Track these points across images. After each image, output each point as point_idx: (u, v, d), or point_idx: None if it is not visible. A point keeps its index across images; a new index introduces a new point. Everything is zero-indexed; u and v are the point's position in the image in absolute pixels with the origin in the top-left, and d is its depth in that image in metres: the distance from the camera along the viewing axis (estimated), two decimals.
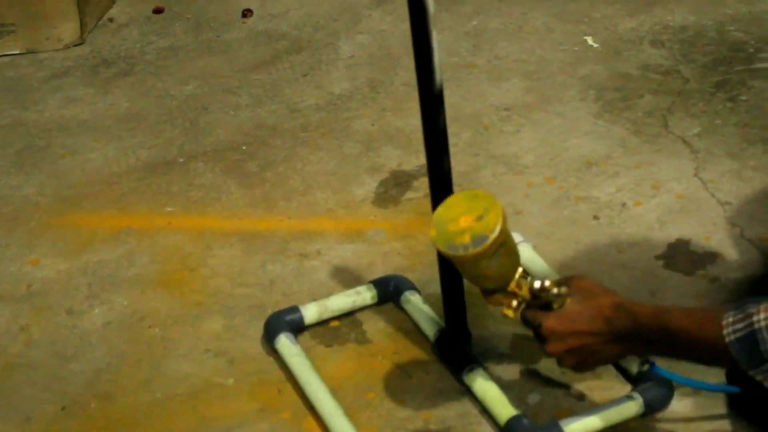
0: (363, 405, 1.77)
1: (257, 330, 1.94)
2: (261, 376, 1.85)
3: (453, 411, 1.75)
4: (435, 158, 1.68)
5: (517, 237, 2.03)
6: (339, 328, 1.93)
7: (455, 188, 1.73)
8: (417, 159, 2.37)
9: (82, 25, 3.02)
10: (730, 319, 1.38)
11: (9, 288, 2.11)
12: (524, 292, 1.55)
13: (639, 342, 1.51)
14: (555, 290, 1.54)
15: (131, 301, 2.05)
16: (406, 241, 2.13)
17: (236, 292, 2.04)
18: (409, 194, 2.28)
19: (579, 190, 2.23)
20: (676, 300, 1.91)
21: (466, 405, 1.75)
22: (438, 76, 1.58)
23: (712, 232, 2.07)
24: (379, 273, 2.03)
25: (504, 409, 1.68)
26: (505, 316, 1.57)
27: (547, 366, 1.81)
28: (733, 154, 2.29)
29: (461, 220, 1.50)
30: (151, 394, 1.84)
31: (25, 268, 2.16)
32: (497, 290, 1.56)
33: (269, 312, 1.95)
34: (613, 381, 1.76)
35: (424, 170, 2.31)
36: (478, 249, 1.47)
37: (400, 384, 1.80)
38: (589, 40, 2.82)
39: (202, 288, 2.06)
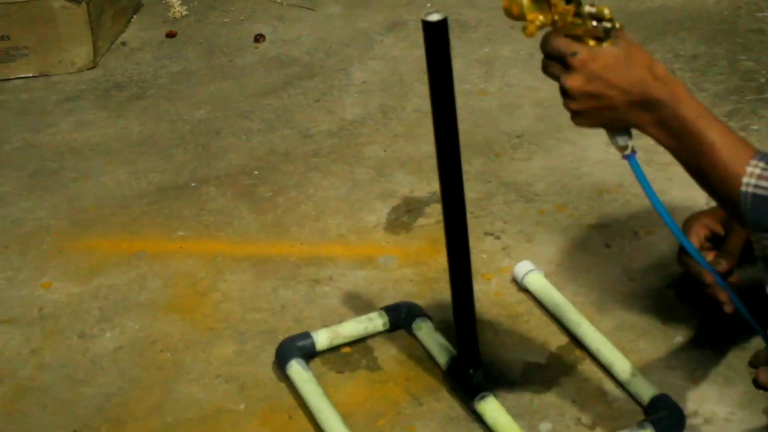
0: (375, 431, 1.77)
1: (268, 355, 1.94)
2: (272, 402, 1.85)
3: None
4: (449, 185, 1.67)
5: (527, 265, 2.04)
6: (351, 354, 1.93)
7: (468, 216, 1.73)
8: (429, 185, 2.38)
9: (95, 49, 3.04)
10: (758, 171, 1.30)
11: (20, 311, 2.11)
12: (564, 9, 1.38)
13: (659, 122, 1.39)
14: (608, 23, 1.36)
15: (143, 325, 2.05)
16: (418, 267, 2.14)
17: (248, 317, 2.05)
18: (421, 221, 2.28)
19: (590, 218, 2.23)
20: (689, 331, 1.90)
21: None
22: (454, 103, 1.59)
23: None
24: (390, 300, 2.03)
25: None
26: (525, 31, 1.41)
27: (558, 394, 1.81)
28: None
29: None
30: (161, 419, 1.84)
31: (37, 291, 2.16)
32: None
33: (280, 337, 1.95)
34: (624, 410, 1.76)
35: (436, 197, 2.32)
36: None
37: (411, 411, 1.80)
38: None
39: (213, 313, 2.07)
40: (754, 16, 3.01)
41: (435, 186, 2.37)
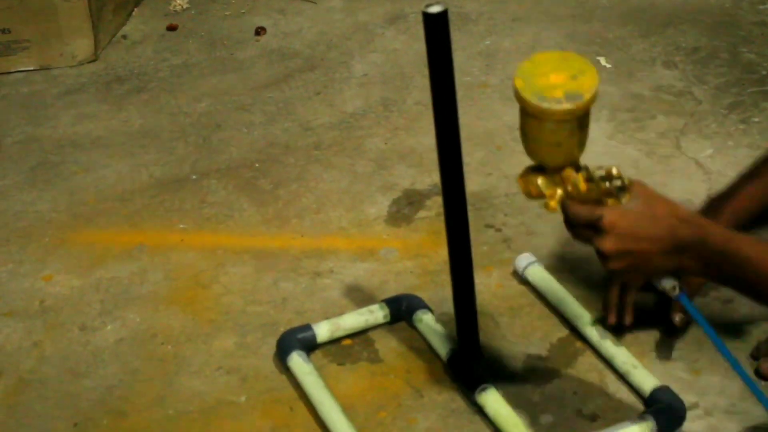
0: (375, 424, 1.77)
1: (269, 348, 1.94)
2: (273, 394, 1.85)
3: (465, 431, 1.74)
4: (450, 178, 1.67)
5: (528, 257, 2.04)
6: (351, 346, 1.93)
7: (469, 209, 1.73)
8: (429, 178, 2.38)
9: (96, 42, 3.04)
10: None
11: (22, 304, 2.11)
12: (577, 179, 1.44)
13: (696, 258, 1.43)
14: (619, 182, 1.41)
15: (144, 317, 2.05)
16: (419, 260, 2.14)
17: (249, 310, 2.05)
18: (422, 213, 2.28)
19: None
20: (690, 323, 1.90)
21: (479, 425, 1.75)
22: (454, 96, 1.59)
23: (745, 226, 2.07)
24: (391, 292, 2.03)
25: (516, 430, 1.68)
26: (546, 207, 1.47)
27: (559, 386, 1.81)
28: None
29: (552, 76, 1.40)
30: (163, 411, 1.84)
31: (38, 284, 2.16)
32: (549, 170, 1.46)
33: (281, 330, 1.95)
34: (625, 402, 1.76)
35: (437, 189, 2.32)
36: (573, 105, 1.38)
37: (412, 403, 1.81)
38: (602, 61, 2.82)
39: (214, 305, 2.07)
40: (756, 9, 3.01)
41: (436, 178, 2.36)
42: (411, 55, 2.91)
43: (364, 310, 1.96)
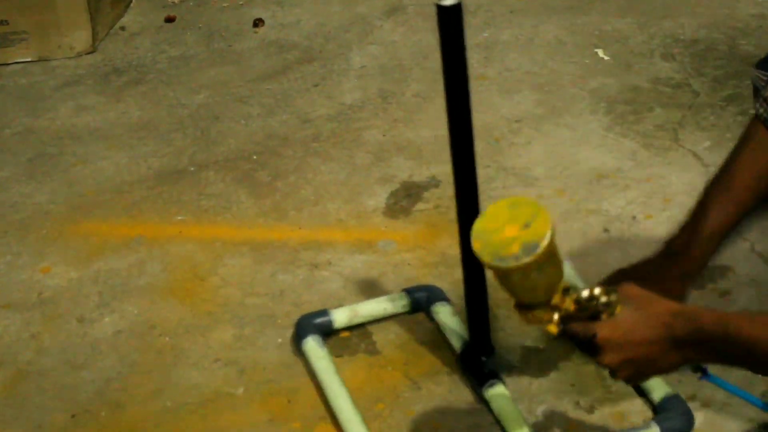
0: (373, 416, 1.77)
1: (267, 339, 1.94)
2: (271, 386, 1.85)
3: (463, 423, 1.75)
4: (462, 169, 1.65)
5: None
6: (349, 338, 1.93)
7: None
8: (428, 170, 2.38)
9: (94, 34, 3.04)
10: None
11: (20, 296, 2.11)
12: (568, 304, 1.46)
13: (700, 350, 1.44)
14: (605, 298, 1.44)
15: (142, 309, 2.05)
16: (417, 252, 2.14)
17: (247, 302, 2.05)
18: (420, 205, 2.28)
19: (589, 203, 2.24)
20: None
21: (476, 417, 1.75)
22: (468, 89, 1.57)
23: (719, 249, 2.07)
24: (389, 284, 2.04)
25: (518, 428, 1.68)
26: (548, 332, 1.49)
27: (557, 378, 1.81)
28: None
29: (506, 230, 1.41)
30: (161, 403, 1.84)
31: (37, 276, 2.16)
32: (538, 305, 1.48)
33: (279, 322, 1.96)
34: (621, 393, 1.76)
35: (435, 181, 2.33)
36: (531, 258, 1.37)
37: (410, 395, 1.81)
38: (600, 53, 2.82)
39: (212, 297, 2.07)
40: (754, 1, 3.01)
41: (434, 170, 2.37)
42: (409, 47, 2.91)
43: (383, 298, 1.95)
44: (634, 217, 2.18)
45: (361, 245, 2.17)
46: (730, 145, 2.36)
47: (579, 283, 1.92)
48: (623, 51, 2.83)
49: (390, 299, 1.95)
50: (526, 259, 1.37)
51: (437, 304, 1.93)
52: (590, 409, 1.75)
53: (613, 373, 1.49)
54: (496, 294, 1.99)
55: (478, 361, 1.80)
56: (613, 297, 1.44)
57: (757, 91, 1.83)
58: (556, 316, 1.46)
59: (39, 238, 2.27)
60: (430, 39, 2.91)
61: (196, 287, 2.10)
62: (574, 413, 1.74)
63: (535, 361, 1.85)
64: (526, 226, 1.40)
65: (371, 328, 1.95)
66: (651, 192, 2.25)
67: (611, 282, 1.71)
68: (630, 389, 1.77)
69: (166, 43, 3.08)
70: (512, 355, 1.87)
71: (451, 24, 1.51)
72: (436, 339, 1.91)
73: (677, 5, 3.04)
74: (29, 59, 3.01)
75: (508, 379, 1.80)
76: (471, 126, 1.61)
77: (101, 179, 2.46)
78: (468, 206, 1.68)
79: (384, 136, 2.54)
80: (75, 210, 2.35)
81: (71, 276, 2.15)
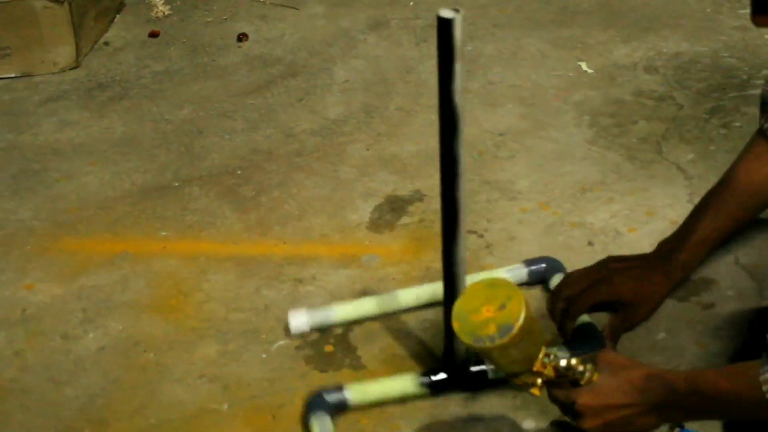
0: (357, 431, 1.77)
1: (252, 355, 1.94)
2: (255, 402, 1.85)
3: None
4: (449, 185, 1.66)
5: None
6: (333, 353, 1.93)
7: None
8: (412, 184, 2.38)
9: (78, 49, 3.03)
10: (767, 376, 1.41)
11: (3, 312, 2.10)
12: (548, 371, 1.56)
13: (675, 409, 1.53)
14: (581, 367, 1.56)
15: (126, 326, 2.05)
16: (401, 266, 2.14)
17: (231, 317, 2.04)
18: (404, 219, 2.28)
19: (573, 216, 2.24)
20: (670, 326, 1.91)
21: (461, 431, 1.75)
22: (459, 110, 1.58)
23: (706, 259, 2.07)
24: None
25: None
26: (533, 395, 1.59)
27: (543, 392, 1.80)
28: None
29: (483, 311, 1.51)
30: (145, 420, 1.83)
31: (20, 293, 2.16)
32: (522, 372, 1.58)
33: (264, 337, 1.95)
34: None
35: (419, 195, 2.33)
36: (505, 339, 1.48)
37: (394, 410, 1.80)
38: (584, 66, 2.83)
39: (196, 313, 2.06)
40: (737, 13, 3.02)
41: (418, 184, 2.37)
42: (393, 61, 2.91)
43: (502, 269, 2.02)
44: (618, 231, 2.18)
45: (345, 260, 2.17)
46: (713, 158, 2.38)
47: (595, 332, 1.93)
48: (606, 64, 2.84)
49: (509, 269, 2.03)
50: (501, 341, 1.48)
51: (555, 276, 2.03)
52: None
53: None
54: None
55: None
56: (589, 366, 1.56)
57: (764, 106, 1.86)
58: (539, 381, 1.57)
59: (22, 254, 2.27)
60: (413, 53, 2.92)
61: (180, 303, 2.09)
62: (559, 427, 1.74)
63: None
64: (502, 307, 1.51)
65: (355, 343, 1.95)
66: (635, 205, 2.26)
67: (601, 266, 1.89)
68: None
69: (150, 58, 3.08)
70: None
71: (450, 36, 1.52)
72: (421, 353, 1.91)
73: (660, 18, 3.05)
74: (12, 75, 3.01)
75: (491, 393, 1.80)
76: (461, 137, 1.60)
77: (85, 195, 2.45)
78: (452, 218, 1.67)
79: (368, 150, 2.54)
80: (58, 226, 2.35)
81: (55, 292, 2.15)
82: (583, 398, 1.55)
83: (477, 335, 1.50)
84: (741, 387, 1.44)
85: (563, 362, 1.55)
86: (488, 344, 1.49)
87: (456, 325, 1.53)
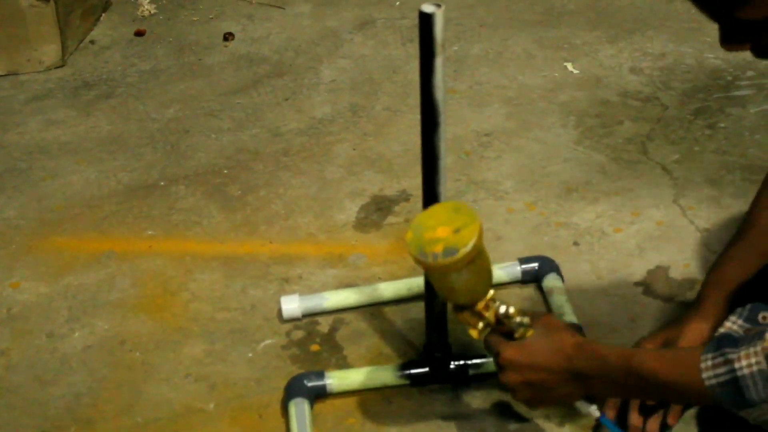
0: (343, 430, 1.77)
1: (238, 354, 1.94)
2: (242, 401, 1.85)
3: None
4: (430, 183, 1.67)
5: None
6: (320, 353, 1.93)
7: None
8: (398, 184, 2.38)
9: (64, 48, 3.03)
10: (709, 363, 1.39)
11: None
12: (490, 315, 1.55)
13: (603, 383, 1.50)
14: (518, 318, 1.54)
15: (112, 325, 2.05)
16: (387, 266, 2.14)
17: (217, 317, 2.04)
18: (391, 219, 2.28)
19: (559, 216, 2.24)
20: (655, 326, 1.92)
21: (448, 430, 1.75)
22: (441, 106, 1.59)
23: (691, 259, 2.09)
24: None
25: None
26: (471, 336, 1.58)
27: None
28: (712, 181, 2.31)
29: (439, 230, 1.50)
30: (131, 419, 1.83)
31: (6, 292, 2.15)
32: (466, 307, 1.56)
33: (250, 336, 1.95)
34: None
35: (405, 195, 2.33)
36: (446, 260, 1.47)
37: (381, 410, 1.81)
38: (570, 67, 2.84)
39: (183, 312, 2.06)
40: None
41: (404, 184, 2.38)
42: (379, 60, 2.91)
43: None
44: (603, 231, 2.19)
45: (331, 259, 2.18)
46: (698, 158, 2.39)
47: (569, 313, 1.93)
48: (592, 64, 2.84)
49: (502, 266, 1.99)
50: (443, 260, 1.47)
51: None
52: (560, 423, 1.75)
53: (514, 394, 1.57)
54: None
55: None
56: (525, 320, 1.54)
57: None
58: (480, 324, 1.56)
59: (8, 253, 2.26)
60: (399, 53, 2.92)
61: (166, 302, 2.09)
62: (545, 426, 1.75)
63: None
64: (457, 231, 1.49)
65: (342, 342, 1.95)
66: (620, 205, 2.26)
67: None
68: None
69: (136, 56, 3.08)
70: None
71: (431, 30, 1.53)
72: (408, 352, 1.91)
73: (646, 19, 3.06)
74: None
75: (477, 393, 1.81)
76: (442, 131, 1.61)
77: (71, 194, 2.45)
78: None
79: (354, 149, 2.54)
80: (44, 225, 2.35)
81: (41, 291, 2.15)
82: (509, 352, 1.53)
83: (423, 250, 1.48)
84: (679, 373, 1.42)
85: (503, 308, 1.53)
86: (430, 261, 1.47)
87: (408, 236, 1.51)
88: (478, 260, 1.51)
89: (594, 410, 1.58)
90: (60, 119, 2.77)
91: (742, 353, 1.37)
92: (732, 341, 1.39)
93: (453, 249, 1.47)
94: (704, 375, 1.39)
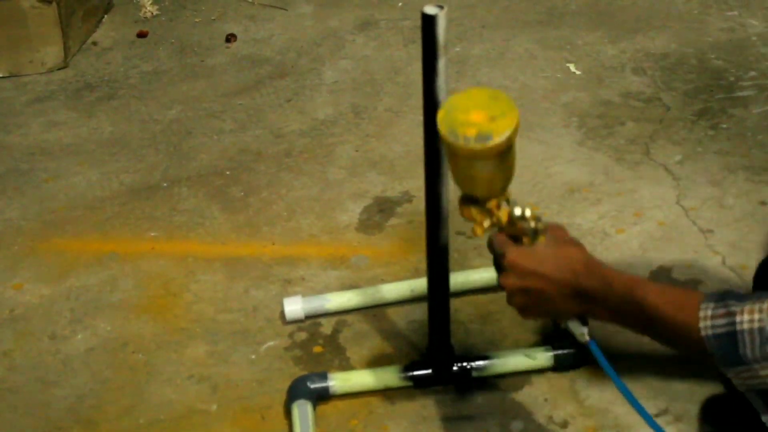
0: (346, 431, 1.78)
1: (240, 356, 1.94)
2: (244, 403, 1.85)
3: None
4: (433, 184, 1.67)
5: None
6: (323, 354, 1.93)
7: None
8: (400, 185, 2.38)
9: (66, 49, 3.03)
10: (710, 312, 1.35)
11: None
12: (501, 213, 1.48)
13: (602, 307, 1.45)
14: (533, 223, 1.45)
15: (114, 326, 2.05)
16: (390, 267, 2.14)
17: (219, 318, 2.04)
18: (393, 220, 2.28)
19: (561, 217, 2.24)
20: None
21: None
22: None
23: (693, 259, 2.08)
24: None
25: None
26: (473, 232, 1.51)
27: (529, 392, 1.81)
28: (715, 181, 2.31)
29: (473, 113, 1.43)
30: (133, 421, 1.83)
31: (8, 293, 2.15)
32: (475, 202, 1.50)
33: (252, 338, 1.95)
34: (595, 408, 1.77)
35: (408, 196, 2.33)
36: (477, 146, 1.40)
37: (384, 411, 1.81)
38: (572, 67, 2.84)
39: (185, 313, 2.06)
40: (724, 15, 3.03)
41: (407, 185, 2.38)
42: (381, 61, 2.91)
43: None
44: (606, 232, 2.19)
45: (334, 261, 2.17)
46: (701, 159, 2.39)
47: None
48: (594, 65, 2.84)
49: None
50: (474, 146, 1.40)
51: None
52: (563, 424, 1.75)
53: (509, 298, 1.50)
54: (469, 310, 2.00)
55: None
56: (540, 225, 1.46)
57: None
58: (486, 222, 1.49)
59: (10, 254, 2.26)
60: (401, 54, 2.92)
61: (168, 303, 2.09)
62: (548, 428, 1.75)
63: (509, 376, 1.85)
64: (493, 118, 1.42)
65: (345, 344, 1.95)
66: (623, 206, 2.26)
67: None
68: (604, 404, 1.77)
69: (138, 58, 3.08)
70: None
71: (434, 31, 1.53)
72: (410, 353, 1.91)
73: (648, 19, 3.06)
74: (0, 75, 3.00)
75: (480, 394, 1.81)
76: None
77: (73, 195, 2.45)
78: (436, 218, 1.68)
79: (356, 151, 2.54)
80: (47, 226, 2.35)
81: (43, 293, 2.15)
82: (515, 254, 1.46)
83: (455, 130, 1.41)
84: (678, 314, 1.37)
85: (518, 210, 1.46)
86: (460, 142, 1.40)
87: (441, 114, 1.44)
88: (508, 154, 1.44)
89: (585, 333, 1.50)
90: (62, 121, 2.77)
91: (747, 307, 1.32)
92: (737, 296, 1.35)
93: (487, 135, 1.40)
94: (701, 324, 1.35)
